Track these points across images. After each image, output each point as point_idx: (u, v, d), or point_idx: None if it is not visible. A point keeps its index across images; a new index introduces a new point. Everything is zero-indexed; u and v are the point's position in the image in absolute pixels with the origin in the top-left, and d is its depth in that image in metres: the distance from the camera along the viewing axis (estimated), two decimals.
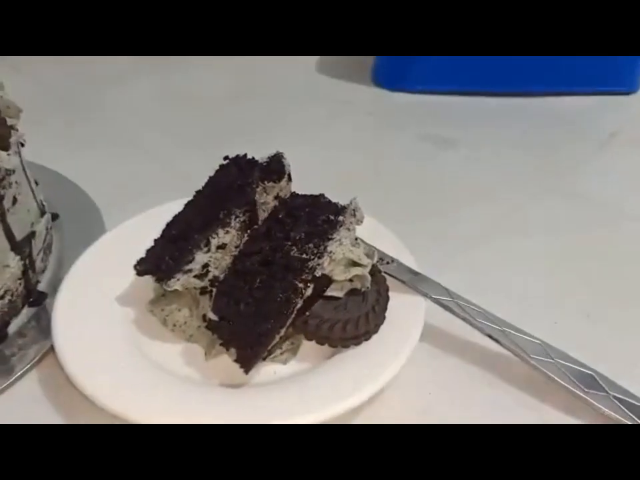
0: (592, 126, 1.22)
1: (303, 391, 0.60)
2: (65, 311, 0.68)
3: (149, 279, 0.75)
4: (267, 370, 0.67)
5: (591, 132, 1.21)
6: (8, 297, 0.71)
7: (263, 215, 0.78)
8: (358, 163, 1.12)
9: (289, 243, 0.67)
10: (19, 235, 0.72)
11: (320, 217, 0.69)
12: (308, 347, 0.67)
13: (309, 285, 0.64)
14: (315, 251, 0.65)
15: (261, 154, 0.80)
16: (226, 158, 0.82)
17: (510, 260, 0.92)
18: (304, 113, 1.26)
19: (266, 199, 0.79)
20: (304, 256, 0.65)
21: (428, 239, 0.93)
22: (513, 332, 0.72)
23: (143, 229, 0.80)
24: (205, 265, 0.73)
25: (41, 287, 0.78)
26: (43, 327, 0.72)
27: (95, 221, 0.97)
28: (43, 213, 0.88)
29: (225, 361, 0.66)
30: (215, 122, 1.23)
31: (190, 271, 0.72)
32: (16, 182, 0.79)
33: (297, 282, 0.63)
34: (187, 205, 0.81)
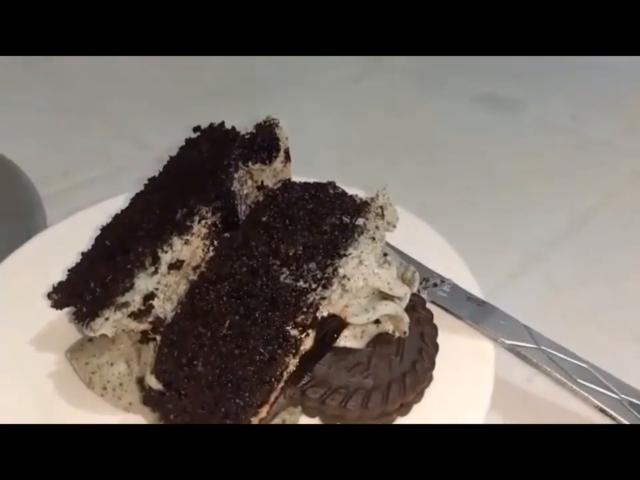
0: None
1: None
2: None
3: None
4: None
5: None
6: None
7: (245, 215, 0.55)
8: (390, 135, 0.91)
9: (278, 263, 0.48)
10: None
11: (328, 220, 0.50)
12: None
13: (308, 331, 0.46)
14: (319, 276, 0.47)
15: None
16: (196, 129, 0.60)
17: (613, 275, 0.67)
18: (321, 69, 1.06)
19: (250, 189, 0.56)
20: (301, 284, 0.47)
21: (491, 242, 0.71)
22: None
23: (89, 231, 0.58)
24: (149, 296, 0.50)
25: None
26: None
27: (35, 216, 0.76)
28: None
29: None
30: (202, 81, 1.04)
31: (125, 304, 0.49)
32: None
33: (289, 327, 0.45)
34: (134, 199, 0.57)
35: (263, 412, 0.44)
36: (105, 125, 0.93)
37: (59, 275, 0.55)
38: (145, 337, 0.50)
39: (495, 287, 0.58)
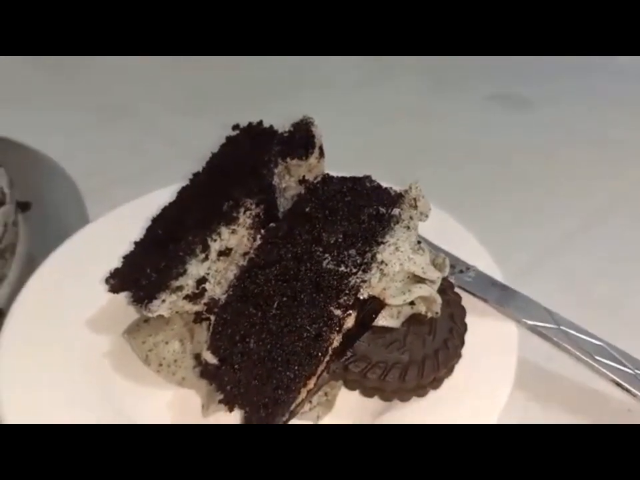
0: None
1: None
2: (15, 338, 0.56)
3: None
4: None
5: None
6: None
7: (284, 206, 0.58)
8: (410, 133, 0.93)
9: (321, 250, 0.51)
10: None
11: (365, 210, 0.53)
12: (349, 398, 0.52)
13: (350, 311, 0.49)
14: (359, 261, 0.50)
15: (282, 122, 0.62)
16: (235, 127, 0.63)
17: (626, 270, 0.70)
18: (339, 70, 1.07)
19: (288, 182, 0.60)
20: (342, 269, 0.50)
21: (512, 234, 0.73)
22: None
23: (131, 223, 0.63)
24: (201, 280, 0.53)
25: None
26: None
27: (76, 211, 0.80)
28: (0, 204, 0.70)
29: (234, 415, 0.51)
30: (228, 82, 1.05)
31: (179, 288, 0.53)
32: None
33: (332, 308, 0.48)
34: (180, 192, 0.61)
35: (311, 383, 0.47)
36: (135, 124, 0.95)
37: (109, 263, 0.58)
38: (198, 318, 0.53)
39: (517, 272, 0.61)
